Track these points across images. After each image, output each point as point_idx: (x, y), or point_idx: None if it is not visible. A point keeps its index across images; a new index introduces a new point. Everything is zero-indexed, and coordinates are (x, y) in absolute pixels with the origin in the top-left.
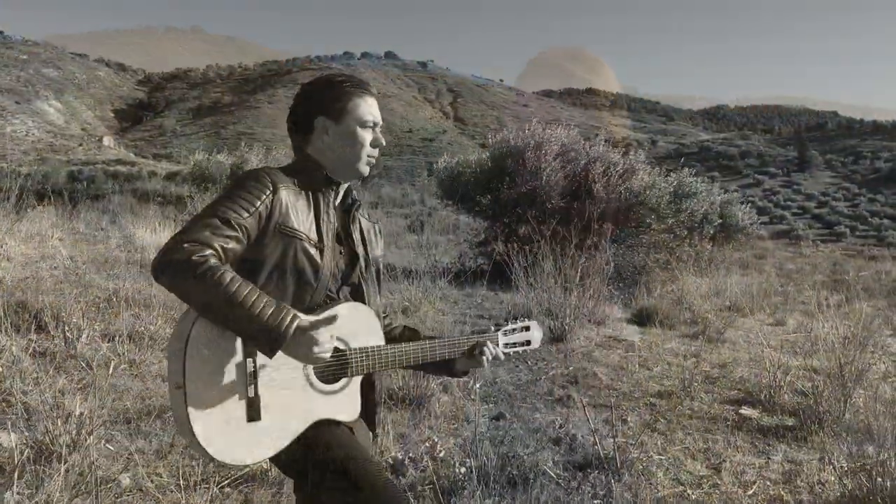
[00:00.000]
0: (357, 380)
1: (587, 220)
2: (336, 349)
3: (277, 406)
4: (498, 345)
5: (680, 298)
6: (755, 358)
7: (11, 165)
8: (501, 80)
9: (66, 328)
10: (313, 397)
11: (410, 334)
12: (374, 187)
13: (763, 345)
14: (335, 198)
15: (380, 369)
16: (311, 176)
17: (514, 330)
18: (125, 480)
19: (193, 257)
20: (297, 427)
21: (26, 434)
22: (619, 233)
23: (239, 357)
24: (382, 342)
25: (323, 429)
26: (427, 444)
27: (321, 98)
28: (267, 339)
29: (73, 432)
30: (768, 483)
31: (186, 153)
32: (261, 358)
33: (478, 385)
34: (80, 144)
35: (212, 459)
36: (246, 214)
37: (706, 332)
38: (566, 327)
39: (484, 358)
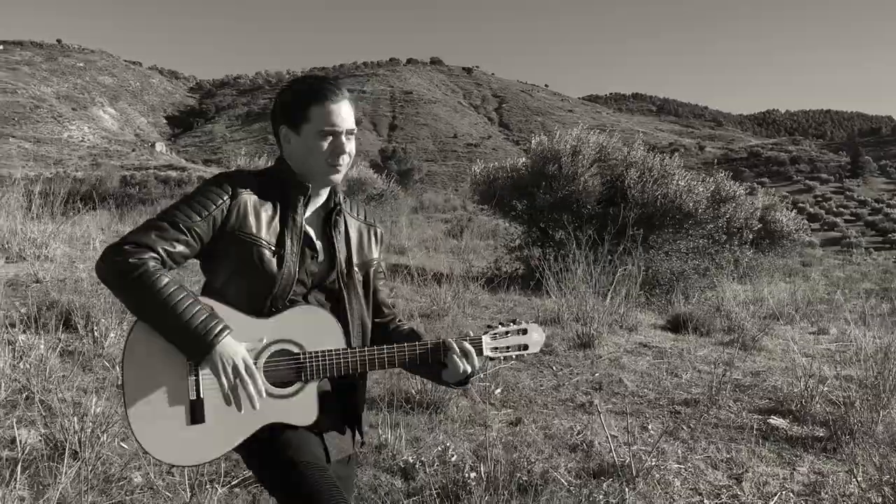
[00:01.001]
0: (314, 384)
1: (621, 226)
2: (289, 352)
3: (224, 409)
4: (482, 350)
5: (718, 306)
6: (790, 367)
7: (67, 170)
8: (546, 85)
9: (95, 328)
10: (263, 400)
11: (405, 336)
12: (416, 192)
13: (799, 353)
14: (305, 202)
15: (339, 374)
16: (281, 180)
17: (506, 333)
18: (137, 478)
19: (131, 259)
20: (246, 430)
21: (44, 431)
22: (657, 238)
23: (182, 359)
24: (342, 346)
25: (275, 432)
26: (439, 449)
27: (283, 106)
28: (193, 346)
29: (89, 430)
30: (791, 494)
31: (235, 158)
32: None
33: (498, 390)
34: (134, 150)
35: (153, 458)
36: (198, 218)
37: (741, 340)
38: (594, 333)
39: (469, 364)
